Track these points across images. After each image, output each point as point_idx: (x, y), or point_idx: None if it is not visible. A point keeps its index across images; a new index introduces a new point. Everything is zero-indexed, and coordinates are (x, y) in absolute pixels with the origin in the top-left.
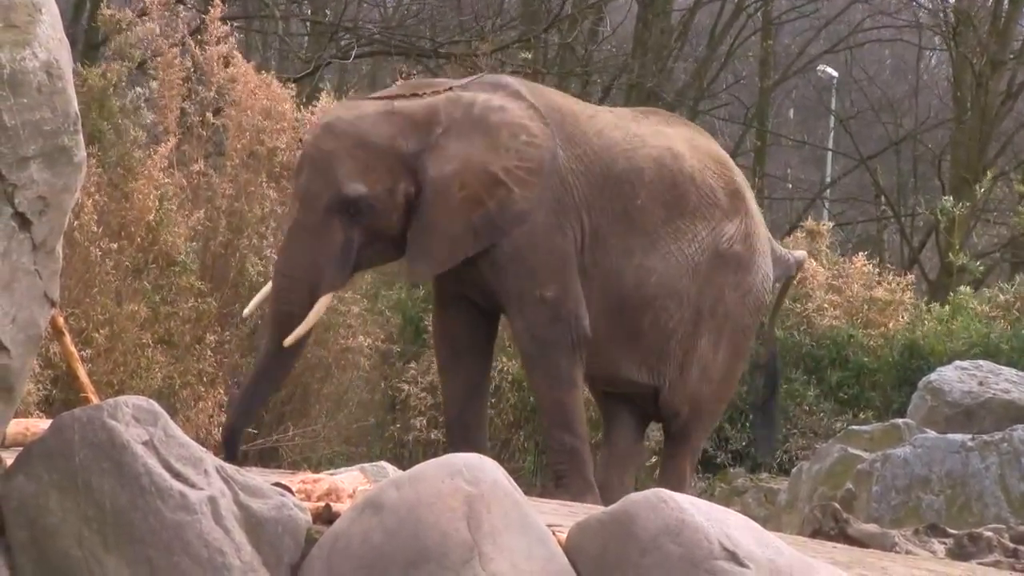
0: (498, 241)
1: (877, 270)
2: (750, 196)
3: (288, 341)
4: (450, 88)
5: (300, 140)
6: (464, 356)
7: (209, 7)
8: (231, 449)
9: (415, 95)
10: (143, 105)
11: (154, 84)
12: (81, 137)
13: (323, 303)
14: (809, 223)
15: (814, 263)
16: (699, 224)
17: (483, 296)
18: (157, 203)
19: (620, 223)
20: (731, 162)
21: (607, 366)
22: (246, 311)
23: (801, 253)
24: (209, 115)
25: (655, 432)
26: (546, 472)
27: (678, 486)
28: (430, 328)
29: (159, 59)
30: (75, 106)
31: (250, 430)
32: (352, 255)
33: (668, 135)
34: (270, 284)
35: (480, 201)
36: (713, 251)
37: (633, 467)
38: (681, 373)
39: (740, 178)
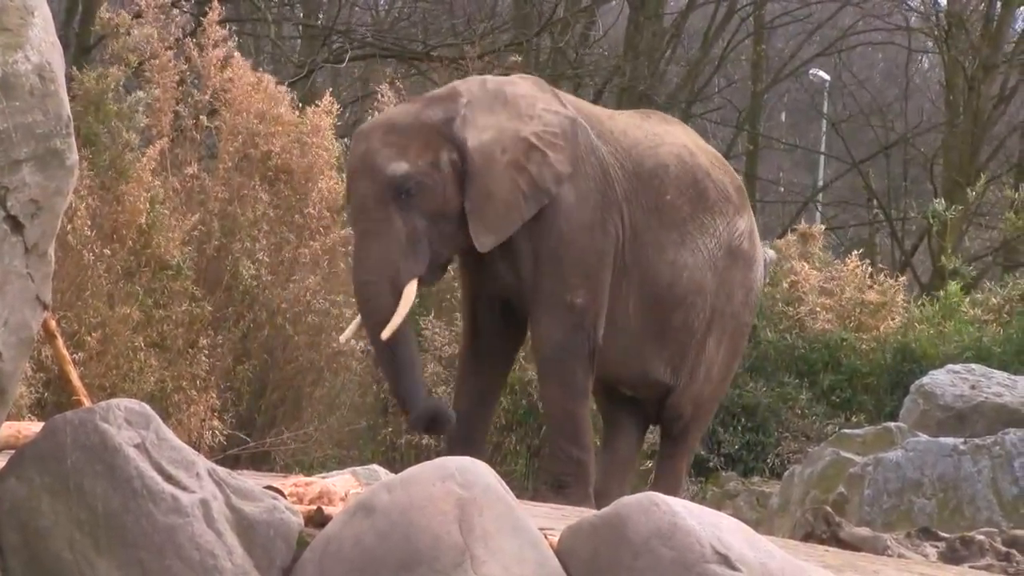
0: (545, 204)
1: (870, 271)
2: None
3: (385, 333)
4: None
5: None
6: (485, 359)
7: (207, 9)
8: (423, 405)
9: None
10: (140, 109)
11: (156, 91)
12: (73, 140)
13: (410, 290)
14: (802, 226)
15: (806, 266)
16: (718, 219)
17: (519, 298)
18: (148, 206)
19: (652, 218)
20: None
21: (636, 366)
22: (343, 337)
23: (771, 253)
24: (204, 118)
25: (649, 434)
26: (538, 476)
27: (674, 487)
28: (423, 332)
29: (154, 62)
30: (67, 109)
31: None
32: (422, 241)
33: (675, 133)
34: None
35: (521, 166)
36: (727, 247)
37: (632, 473)
38: (691, 374)
39: None
